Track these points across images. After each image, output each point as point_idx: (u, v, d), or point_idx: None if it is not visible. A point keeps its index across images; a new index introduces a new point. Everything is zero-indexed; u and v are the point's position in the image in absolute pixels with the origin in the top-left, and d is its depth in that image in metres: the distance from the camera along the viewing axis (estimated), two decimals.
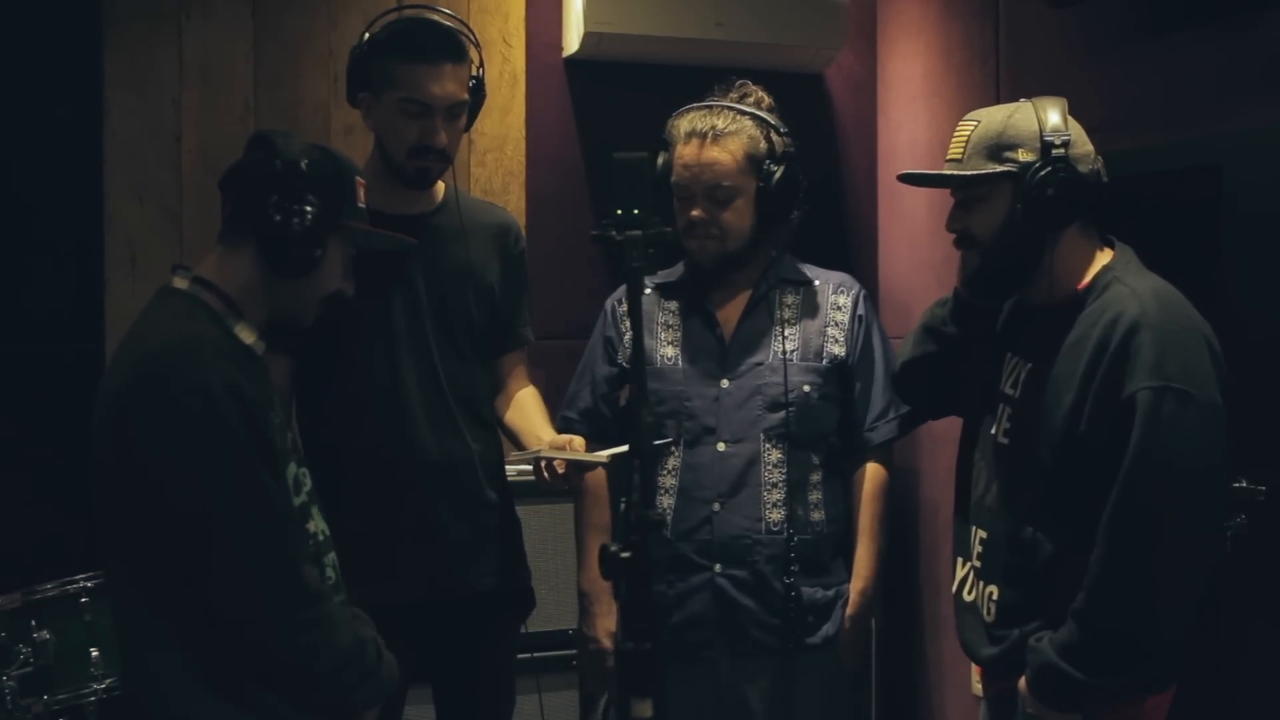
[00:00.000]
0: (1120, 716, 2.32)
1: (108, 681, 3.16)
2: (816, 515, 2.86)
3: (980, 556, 2.50)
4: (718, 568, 2.82)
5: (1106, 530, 2.23)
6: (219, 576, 2.13)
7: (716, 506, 2.82)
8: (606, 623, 2.90)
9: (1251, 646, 3.72)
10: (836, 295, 2.95)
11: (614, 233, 2.17)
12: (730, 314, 2.92)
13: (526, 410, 3.03)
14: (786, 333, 2.88)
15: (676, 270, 3.02)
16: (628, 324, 2.85)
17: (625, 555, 2.05)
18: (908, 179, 2.57)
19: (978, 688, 4.79)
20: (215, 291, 2.25)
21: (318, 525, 2.34)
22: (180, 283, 2.27)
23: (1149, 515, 2.21)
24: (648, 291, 2.99)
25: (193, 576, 2.14)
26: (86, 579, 3.20)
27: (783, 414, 2.83)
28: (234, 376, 2.14)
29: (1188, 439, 2.20)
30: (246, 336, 2.25)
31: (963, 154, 2.44)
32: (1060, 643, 2.27)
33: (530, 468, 2.81)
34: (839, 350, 2.89)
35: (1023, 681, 2.36)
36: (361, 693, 2.29)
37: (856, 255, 5.07)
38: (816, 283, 2.97)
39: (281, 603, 2.15)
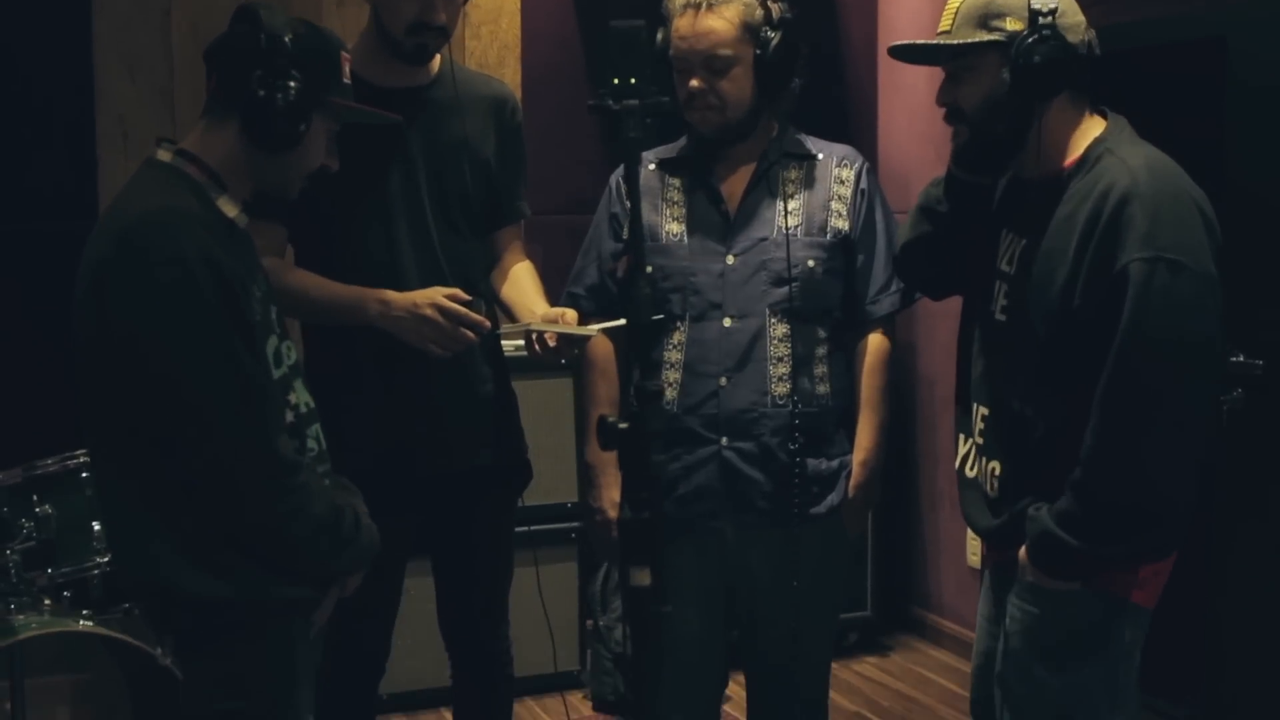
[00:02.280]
0: (1118, 584, 2.33)
1: (110, 554, 3.18)
2: (822, 388, 2.86)
3: (981, 433, 2.51)
4: (724, 441, 2.83)
5: (1101, 403, 2.23)
6: (191, 446, 2.14)
7: (723, 381, 2.82)
8: (611, 493, 2.92)
9: (1247, 518, 3.75)
10: (840, 169, 2.92)
11: (611, 103, 2.13)
12: (734, 189, 2.90)
13: (522, 285, 3.02)
14: (790, 208, 2.86)
15: (679, 145, 2.99)
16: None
17: (623, 426, 2.06)
18: (897, 52, 2.54)
19: (974, 559, 4.85)
20: (198, 164, 2.24)
21: (300, 398, 2.35)
22: (164, 155, 2.26)
23: (1143, 387, 2.21)
24: (651, 168, 2.97)
25: (166, 446, 2.14)
26: (86, 454, 3.22)
27: (787, 289, 2.82)
28: (211, 248, 2.13)
29: (1181, 309, 2.19)
30: (229, 210, 2.24)
31: (952, 25, 2.41)
32: (1058, 512, 2.28)
33: (523, 341, 2.81)
34: (842, 224, 2.88)
35: (1023, 551, 2.36)
36: (341, 560, 2.31)
37: (856, 129, 5.03)
38: (820, 156, 2.94)
39: (253, 472, 2.16)
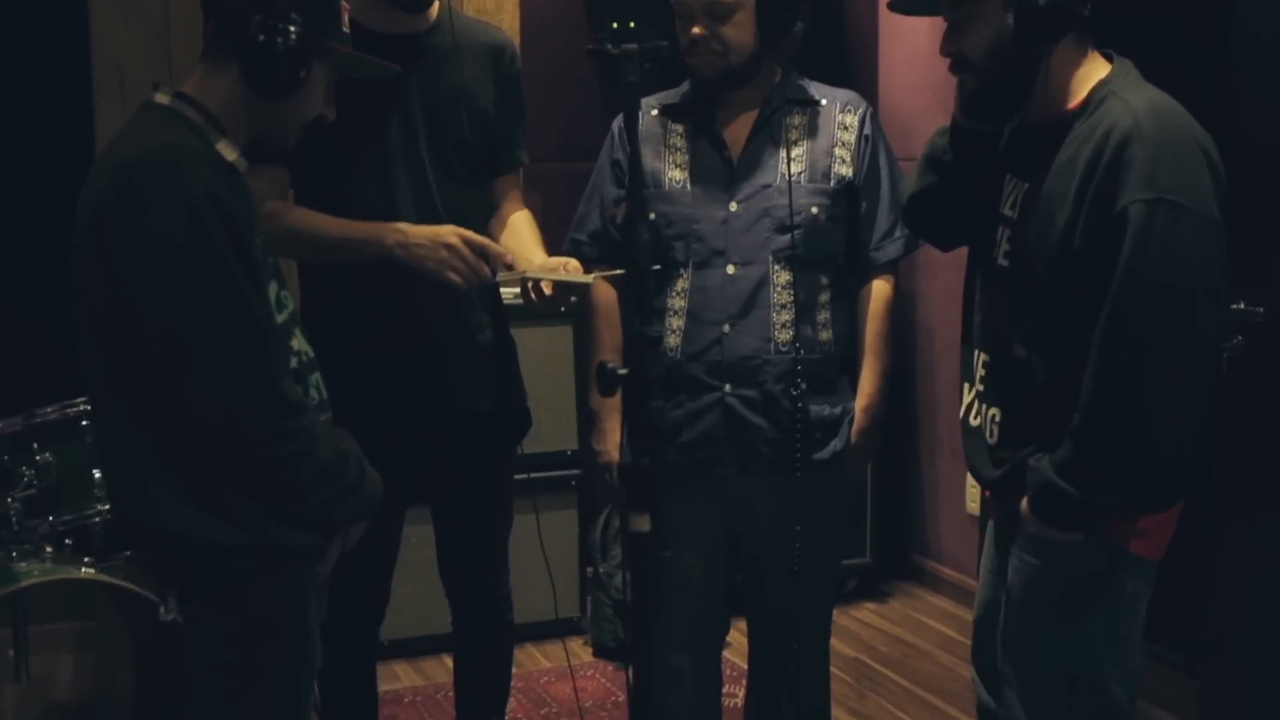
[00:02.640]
0: (1120, 535, 2.32)
1: (113, 502, 3.19)
2: (825, 335, 2.86)
3: (983, 380, 2.50)
4: (727, 388, 2.83)
5: (1099, 348, 2.21)
6: (197, 386, 2.12)
7: (726, 328, 2.82)
8: (614, 437, 2.93)
9: (1246, 466, 3.75)
10: (843, 114, 2.91)
11: (610, 47, 2.12)
12: (737, 135, 2.88)
13: (520, 234, 3.01)
14: (793, 154, 2.85)
15: (681, 91, 2.97)
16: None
17: (623, 372, 2.05)
18: (898, 6, 2.52)
19: (973, 507, 4.87)
20: (197, 107, 2.22)
21: (301, 345, 2.33)
22: (162, 99, 2.24)
23: (1141, 331, 2.19)
24: (654, 114, 2.95)
25: (171, 387, 2.12)
26: (86, 402, 3.22)
27: (790, 236, 2.81)
28: (215, 185, 2.11)
29: (1181, 252, 2.17)
30: (228, 153, 2.21)
31: None
32: (1058, 462, 2.27)
33: (519, 289, 2.80)
34: (846, 171, 2.87)
35: (1024, 503, 2.35)
36: (344, 507, 2.30)
37: (856, 75, 5.01)
38: (823, 102, 2.92)
39: (259, 413, 2.14)
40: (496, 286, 2.87)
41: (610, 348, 2.97)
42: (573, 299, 2.91)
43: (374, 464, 2.39)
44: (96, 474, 3.20)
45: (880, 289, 2.92)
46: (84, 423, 3.22)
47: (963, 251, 2.78)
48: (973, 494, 4.84)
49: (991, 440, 2.44)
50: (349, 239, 2.77)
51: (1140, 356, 2.17)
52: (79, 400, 3.22)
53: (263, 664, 2.26)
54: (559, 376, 4.46)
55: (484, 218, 3.01)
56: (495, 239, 2.98)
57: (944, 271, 4.86)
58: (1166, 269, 2.16)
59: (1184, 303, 2.18)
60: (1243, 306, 3.63)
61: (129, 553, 3.20)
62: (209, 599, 2.25)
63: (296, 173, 2.83)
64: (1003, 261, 2.44)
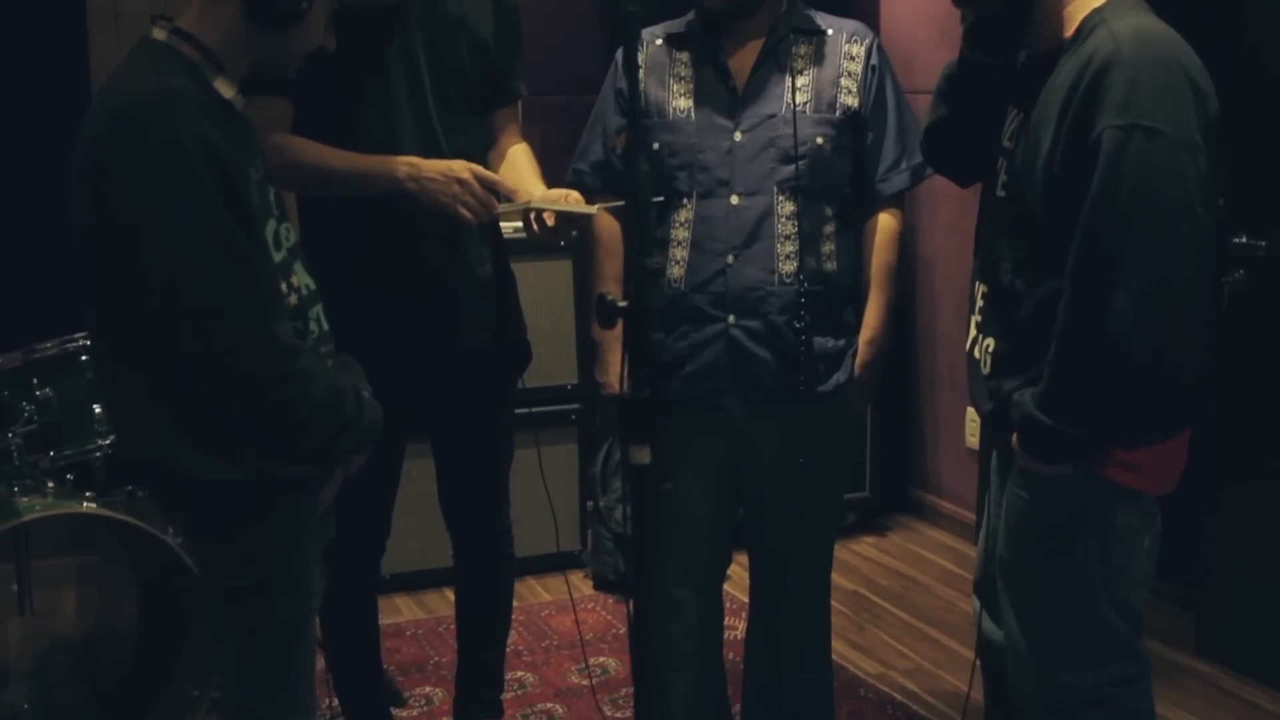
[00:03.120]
0: (1108, 468, 2.31)
1: (112, 437, 3.20)
2: (829, 266, 2.85)
3: (981, 310, 2.49)
4: (731, 319, 2.82)
5: (1071, 276, 2.18)
6: (190, 331, 2.12)
7: (730, 259, 2.81)
8: (616, 370, 2.92)
9: (1246, 400, 3.75)
10: (850, 45, 2.88)
11: None
12: (742, 64, 2.85)
13: (519, 166, 2.99)
14: (799, 84, 2.82)
15: (686, 20, 2.94)
16: (639, 75, 2.78)
17: (622, 304, 2.04)
18: None
19: (972, 441, 4.87)
20: (194, 43, 2.19)
21: (301, 280, 2.33)
22: (159, 34, 2.21)
23: (1112, 258, 2.15)
24: (658, 43, 2.92)
25: (166, 330, 2.13)
26: (85, 337, 3.22)
27: (794, 167, 2.79)
28: (206, 130, 2.10)
29: (1155, 177, 2.13)
30: (225, 90, 2.20)
31: None
32: (1038, 394, 2.25)
33: (521, 223, 2.79)
34: (852, 101, 2.84)
35: (1014, 436, 2.34)
36: (345, 441, 2.31)
37: (859, 5, 4.96)
38: (829, 32, 2.89)
39: (252, 357, 2.15)
40: (496, 220, 2.86)
41: (612, 279, 2.96)
42: (574, 233, 2.90)
43: (375, 397, 2.39)
44: (97, 409, 3.20)
45: (886, 222, 2.90)
46: (83, 358, 3.21)
47: (960, 185, 2.77)
48: (972, 428, 4.84)
49: (986, 371, 2.44)
50: (358, 171, 2.76)
51: (1110, 284, 2.14)
52: (78, 335, 3.22)
53: (261, 589, 2.28)
54: (559, 311, 4.46)
55: (484, 150, 3.00)
56: (494, 171, 2.96)
57: (945, 205, 4.84)
58: (1138, 195, 2.12)
59: (1154, 227, 2.14)
60: (1245, 240, 3.62)
61: (131, 487, 3.20)
62: (211, 531, 2.27)
63: (297, 104, 2.81)
64: (1000, 193, 2.42)
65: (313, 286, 2.36)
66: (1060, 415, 2.22)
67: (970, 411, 4.83)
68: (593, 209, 2.73)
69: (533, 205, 2.72)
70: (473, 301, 2.94)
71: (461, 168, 2.72)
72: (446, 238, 2.86)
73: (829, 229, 2.85)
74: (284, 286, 2.27)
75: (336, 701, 3.22)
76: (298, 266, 2.33)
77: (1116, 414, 2.23)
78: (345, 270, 2.82)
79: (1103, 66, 2.16)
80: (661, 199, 2.80)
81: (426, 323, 2.90)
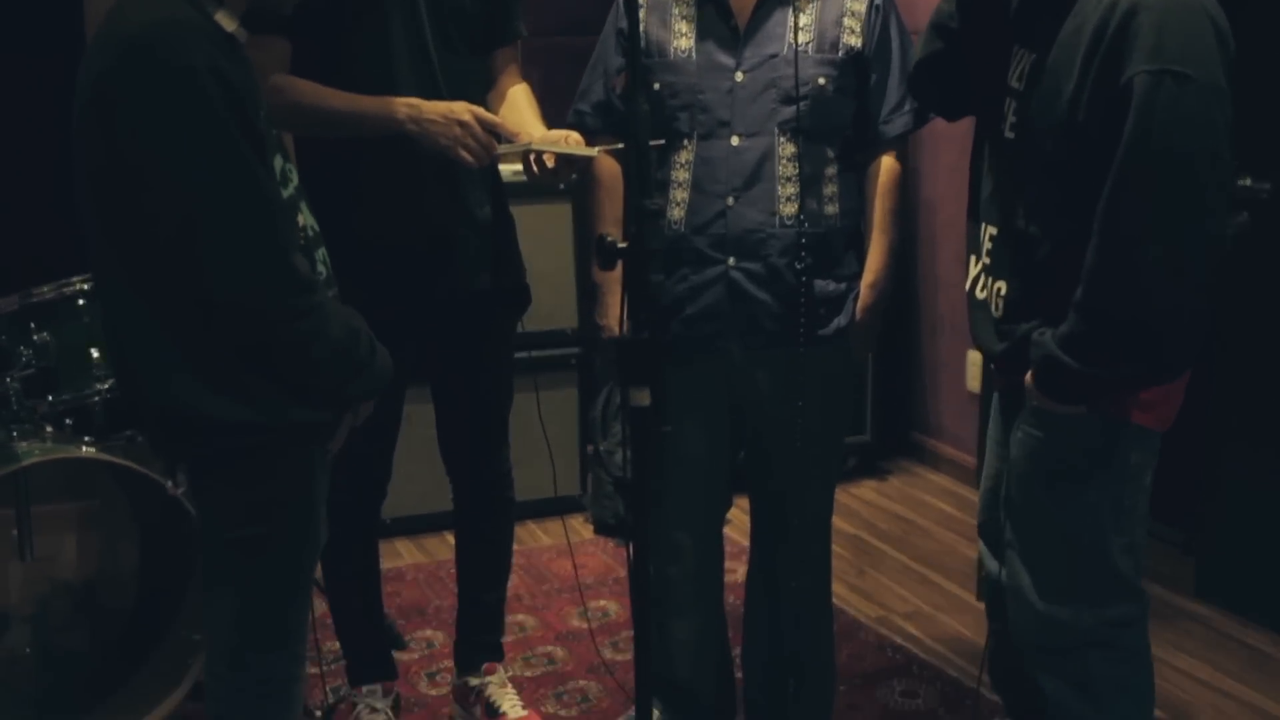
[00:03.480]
0: (1123, 407, 2.32)
1: (110, 381, 3.19)
2: (830, 209, 2.82)
3: (989, 253, 2.47)
4: (731, 261, 2.80)
5: (1102, 220, 2.18)
6: (207, 264, 2.09)
7: (730, 200, 2.78)
8: (616, 312, 2.90)
9: (1249, 343, 3.75)
10: None
11: None
12: (744, 3, 2.81)
13: (518, 107, 2.97)
14: (802, 24, 2.79)
15: None
16: (641, 14, 2.75)
17: (621, 245, 2.03)
18: None
19: (973, 385, 4.86)
20: None
21: (307, 220, 2.31)
22: None
23: (1144, 203, 2.15)
24: None
25: (181, 265, 2.10)
26: (83, 281, 3.21)
27: (796, 108, 2.76)
28: (217, 59, 2.06)
29: (1186, 123, 2.14)
30: (227, 24, 2.16)
31: None
32: (1061, 335, 2.25)
33: (520, 166, 2.76)
34: (855, 41, 2.81)
35: (1028, 376, 2.34)
36: (356, 384, 2.29)
37: None
38: None
39: (272, 289, 2.12)
40: (496, 162, 2.84)
41: (612, 221, 2.94)
42: (574, 175, 2.89)
43: (377, 345, 2.38)
44: (95, 353, 3.19)
45: (888, 164, 2.87)
46: (81, 302, 3.20)
47: (965, 127, 2.75)
48: (973, 371, 4.83)
49: (997, 314, 2.43)
50: (358, 112, 2.73)
51: (1143, 229, 2.14)
52: (76, 279, 3.20)
53: (269, 540, 2.27)
54: (559, 254, 4.44)
55: (483, 91, 2.97)
56: (493, 113, 2.94)
57: (946, 146, 4.81)
58: (1170, 140, 2.12)
59: (1188, 174, 2.15)
60: (1249, 183, 3.60)
61: (130, 432, 3.20)
62: (219, 475, 2.26)
63: (294, 45, 2.78)
64: (1009, 134, 2.40)
65: (316, 228, 2.34)
66: (1086, 358, 2.22)
67: (971, 355, 4.82)
68: (593, 151, 2.71)
69: (533, 147, 2.69)
70: (471, 244, 2.93)
71: (462, 109, 2.69)
72: (445, 180, 2.84)
73: (830, 171, 2.82)
74: (295, 222, 2.25)
75: (338, 645, 3.24)
76: (303, 206, 2.31)
77: (1146, 358, 2.23)
78: (343, 213, 2.79)
79: (1130, 9, 2.14)
80: (662, 141, 2.77)
81: (425, 265, 2.88)
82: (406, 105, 2.70)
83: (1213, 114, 2.14)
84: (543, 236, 4.32)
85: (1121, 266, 2.17)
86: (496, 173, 2.99)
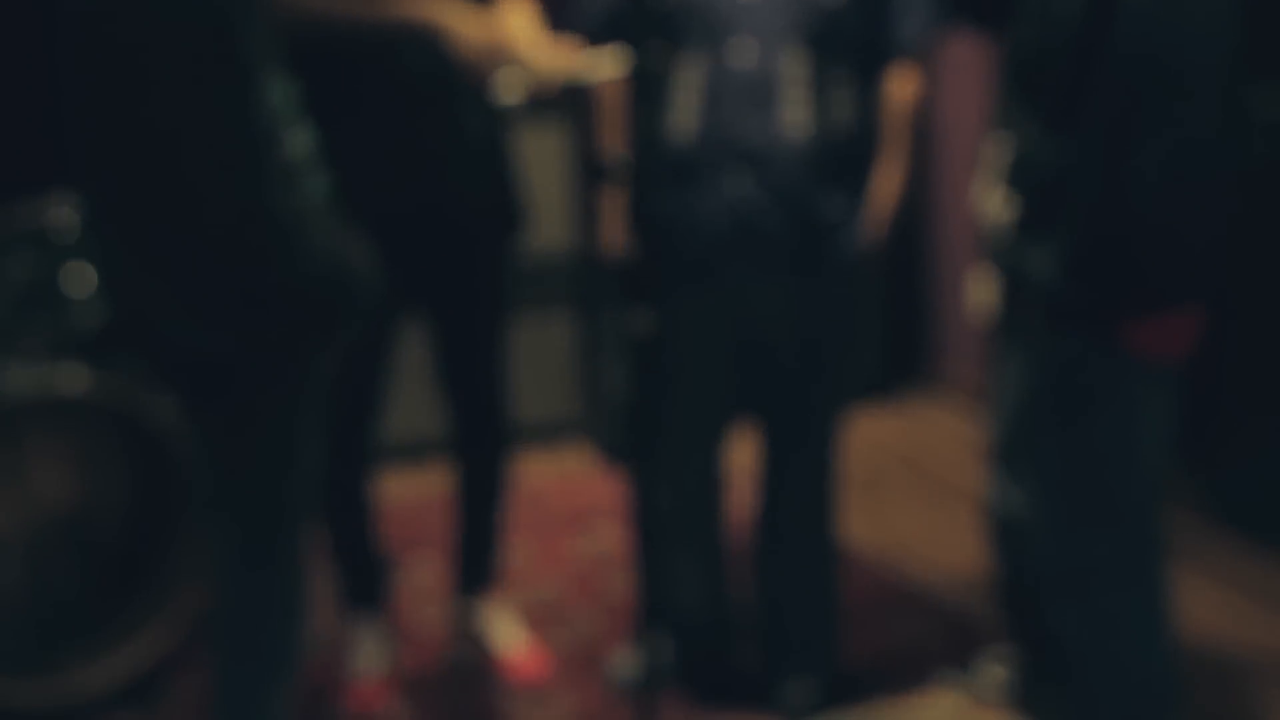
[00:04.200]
0: (1126, 338, 2.28)
1: (100, 308, 3.12)
2: (843, 125, 2.75)
3: (998, 173, 2.42)
4: (738, 178, 2.72)
5: (1090, 132, 2.15)
6: (206, 185, 2.08)
7: (739, 115, 2.70)
8: (618, 231, 2.84)
9: (1264, 270, 3.70)
10: None
11: None
12: None
13: (519, 16, 2.87)
14: None
15: None
16: None
17: (624, 163, 2.01)
18: None
19: (981, 309, 4.82)
20: None
21: (306, 136, 2.29)
22: None
23: (1132, 113, 2.11)
24: None
25: (173, 177, 2.08)
26: (69, 203, 3.17)
27: (810, 18, 2.68)
28: None
29: (1179, 27, 2.09)
30: None
31: None
32: (1055, 258, 2.23)
33: (519, 82, 2.71)
34: None
35: (1029, 305, 2.34)
36: (351, 304, 2.29)
37: None
38: None
39: (268, 197, 2.12)
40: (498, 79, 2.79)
41: (614, 138, 2.87)
42: (574, 91, 2.86)
43: (369, 265, 2.36)
44: (82, 280, 3.13)
45: (905, 79, 2.81)
46: (65, 227, 3.16)
47: (982, 51, 2.70)
48: (986, 298, 4.79)
49: (1005, 235, 2.38)
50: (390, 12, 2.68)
51: (1132, 141, 2.10)
52: (61, 200, 3.17)
53: (267, 472, 2.29)
54: (558, 175, 4.37)
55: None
56: (491, 21, 2.87)
57: (961, 69, 4.74)
58: (1162, 46, 2.07)
59: (1175, 83, 2.09)
60: (1266, 103, 3.55)
61: (120, 362, 3.15)
62: (212, 406, 2.26)
63: None
64: (1019, 47, 2.35)
65: (312, 145, 2.31)
66: (1078, 280, 2.19)
67: (984, 278, 4.79)
68: (594, 72, 2.65)
69: (537, 68, 2.66)
70: (468, 163, 2.89)
71: (488, 27, 2.65)
72: (440, 96, 2.80)
73: (844, 85, 2.75)
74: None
75: (334, 572, 3.21)
76: (301, 123, 2.28)
77: (1140, 278, 2.19)
78: (341, 129, 2.68)
79: None
80: (670, 52, 2.69)
81: (423, 184, 2.86)
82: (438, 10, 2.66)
83: (1210, 20, 2.09)
84: (542, 155, 4.25)
85: (1111, 185, 2.13)
86: (497, 89, 2.93)
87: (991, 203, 2.43)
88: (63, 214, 3.17)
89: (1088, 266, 2.19)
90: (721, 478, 3.05)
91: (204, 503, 2.36)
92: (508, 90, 2.78)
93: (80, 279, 3.16)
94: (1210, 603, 3.50)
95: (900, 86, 2.81)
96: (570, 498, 4.00)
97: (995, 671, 2.98)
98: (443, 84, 2.73)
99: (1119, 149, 2.11)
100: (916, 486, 4.32)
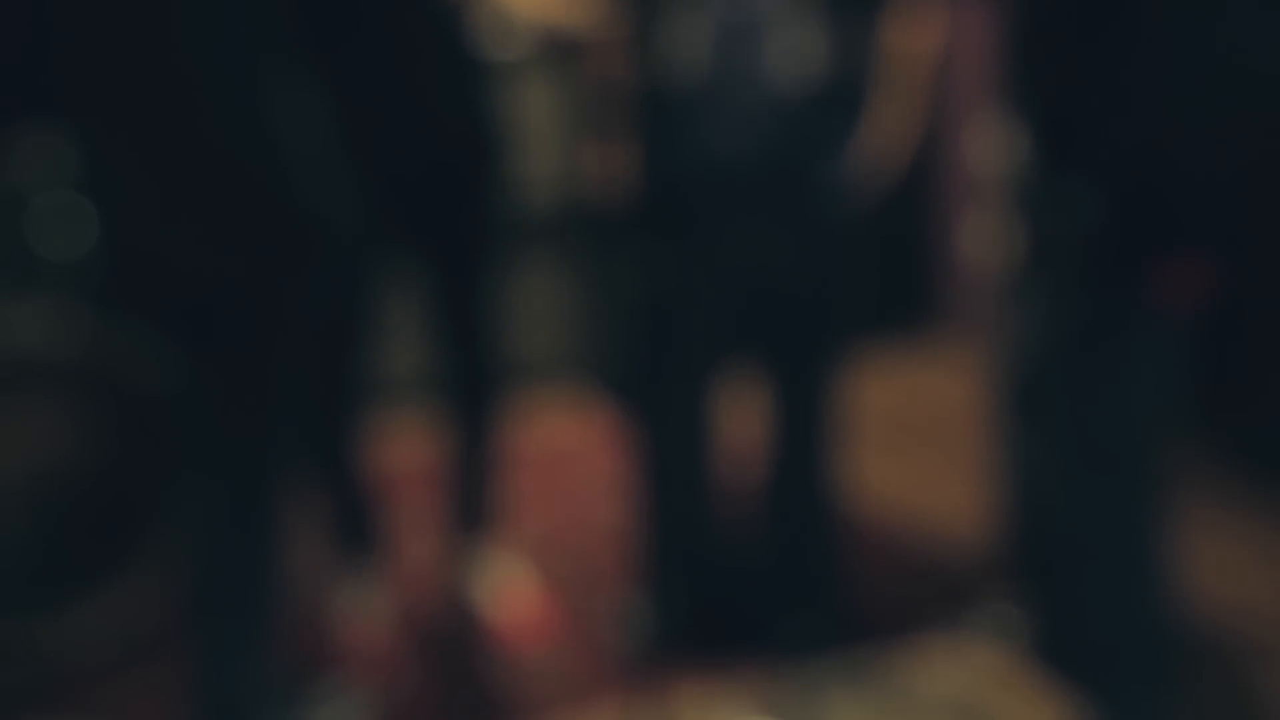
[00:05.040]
0: (1142, 282, 2.27)
1: (100, 239, 3.07)
2: (851, 70, 2.74)
3: (1015, 118, 2.41)
4: (744, 123, 2.69)
5: (1113, 80, 2.15)
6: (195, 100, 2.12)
7: (748, 57, 2.67)
8: (621, 171, 2.77)
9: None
10: None
11: None
12: None
13: None
14: None
15: None
16: None
17: (634, 99, 1.99)
18: None
19: (993, 260, 4.77)
20: None
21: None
22: None
23: (1151, 54, 2.11)
24: None
25: (172, 120, 2.12)
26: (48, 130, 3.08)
27: None
28: None
29: None
30: None
31: None
32: (1077, 207, 2.24)
33: (519, 34, 2.76)
34: None
35: (1046, 250, 2.37)
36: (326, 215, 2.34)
37: None
38: None
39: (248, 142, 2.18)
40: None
41: (618, 79, 2.84)
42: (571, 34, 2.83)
43: (364, 214, 2.46)
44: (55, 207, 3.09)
45: (915, 24, 2.77)
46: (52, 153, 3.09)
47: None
48: (993, 247, 4.77)
49: (1020, 181, 2.39)
50: None
51: (1158, 88, 2.10)
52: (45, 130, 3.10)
53: (254, 410, 2.32)
54: (558, 116, 4.32)
55: None
56: None
57: (968, 14, 4.68)
58: None
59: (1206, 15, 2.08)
60: None
61: (103, 291, 3.12)
62: (196, 334, 2.27)
63: None
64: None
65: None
66: (1110, 232, 2.20)
67: (994, 231, 4.77)
68: (593, 29, 2.64)
69: (531, 19, 2.71)
70: (462, 106, 2.90)
71: None
72: (427, 31, 2.81)
73: (856, 27, 2.73)
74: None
75: (325, 517, 3.19)
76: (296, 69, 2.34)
77: (1155, 221, 2.19)
78: (326, 74, 2.67)
79: None
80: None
81: (415, 128, 2.85)
82: None
83: None
84: (540, 98, 4.22)
85: (1133, 130, 2.14)
86: (488, 27, 2.92)
87: (1008, 147, 2.42)
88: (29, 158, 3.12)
89: (1124, 217, 2.19)
90: (721, 419, 3.04)
91: (186, 457, 2.38)
92: (500, 40, 2.79)
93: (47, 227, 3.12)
94: (1229, 558, 3.48)
95: (912, 30, 2.79)
96: (567, 435, 4.02)
97: (998, 621, 2.98)
98: (444, 14, 2.74)
99: (1144, 102, 2.11)
100: (923, 438, 4.33)
